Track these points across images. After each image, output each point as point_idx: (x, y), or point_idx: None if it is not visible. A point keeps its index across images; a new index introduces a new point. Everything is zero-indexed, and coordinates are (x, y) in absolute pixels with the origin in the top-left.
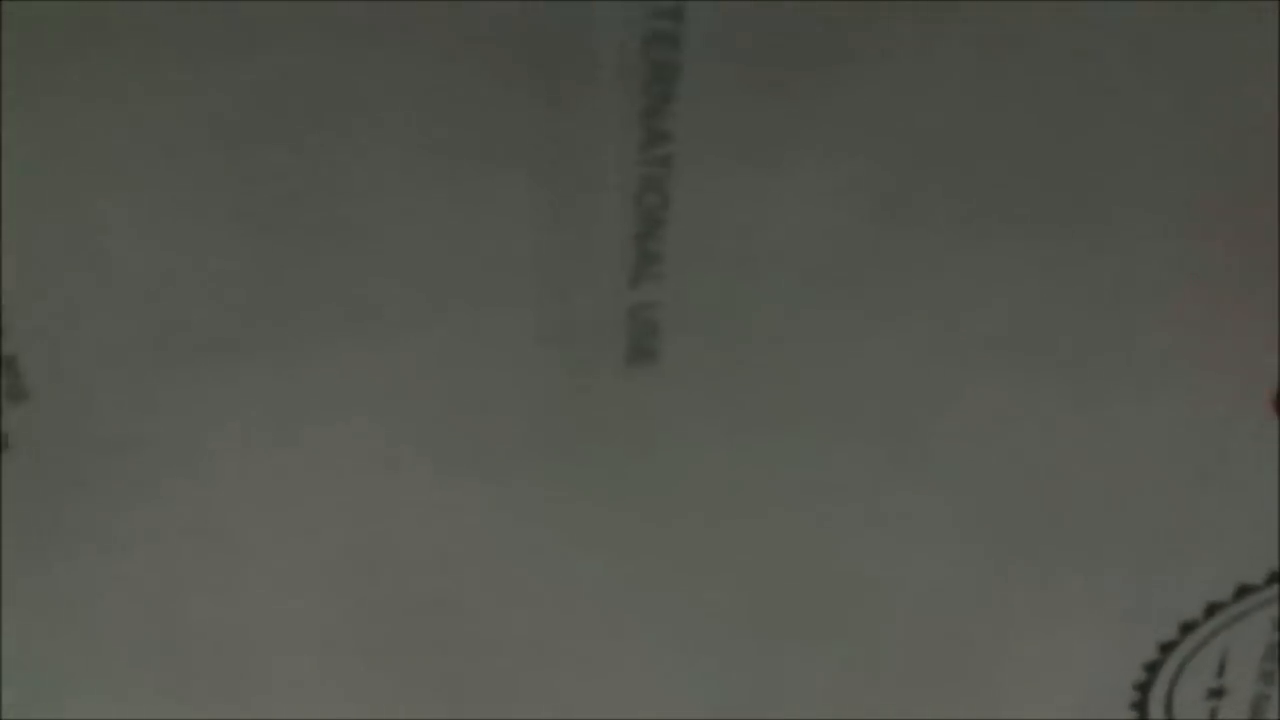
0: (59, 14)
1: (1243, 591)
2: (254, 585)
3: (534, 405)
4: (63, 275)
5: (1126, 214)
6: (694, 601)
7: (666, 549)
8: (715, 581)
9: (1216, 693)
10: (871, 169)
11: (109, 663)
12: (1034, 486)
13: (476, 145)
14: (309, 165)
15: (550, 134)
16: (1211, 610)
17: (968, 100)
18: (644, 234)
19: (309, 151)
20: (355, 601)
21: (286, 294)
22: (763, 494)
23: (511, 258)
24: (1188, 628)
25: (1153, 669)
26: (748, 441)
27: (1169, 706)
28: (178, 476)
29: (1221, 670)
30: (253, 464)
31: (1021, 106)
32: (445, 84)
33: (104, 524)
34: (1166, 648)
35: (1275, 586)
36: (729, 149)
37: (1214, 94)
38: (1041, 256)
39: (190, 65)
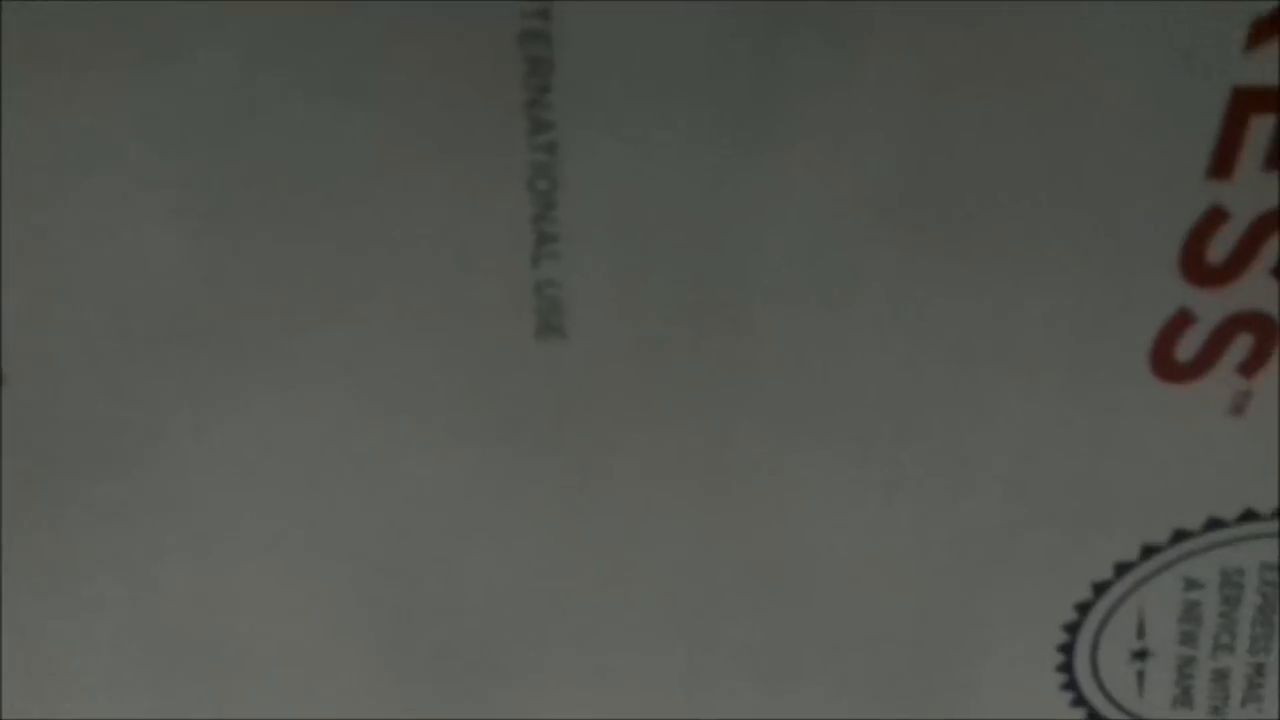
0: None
1: (1149, 551)
2: (226, 557)
3: (455, 380)
4: (34, 267)
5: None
6: (622, 575)
7: (593, 523)
8: (640, 553)
9: (1140, 654)
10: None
11: (92, 638)
12: (946, 454)
13: (398, 137)
14: (262, 159)
15: (449, 124)
16: (1121, 570)
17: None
18: (539, 215)
19: (261, 144)
20: (319, 572)
21: (239, 284)
22: (677, 466)
23: (426, 240)
24: (1101, 588)
25: (1073, 630)
26: (658, 413)
27: (1095, 669)
28: (149, 456)
29: (1141, 631)
30: (215, 441)
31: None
32: (369, 83)
33: (82, 500)
34: (1083, 607)
35: (1180, 545)
36: (609, 133)
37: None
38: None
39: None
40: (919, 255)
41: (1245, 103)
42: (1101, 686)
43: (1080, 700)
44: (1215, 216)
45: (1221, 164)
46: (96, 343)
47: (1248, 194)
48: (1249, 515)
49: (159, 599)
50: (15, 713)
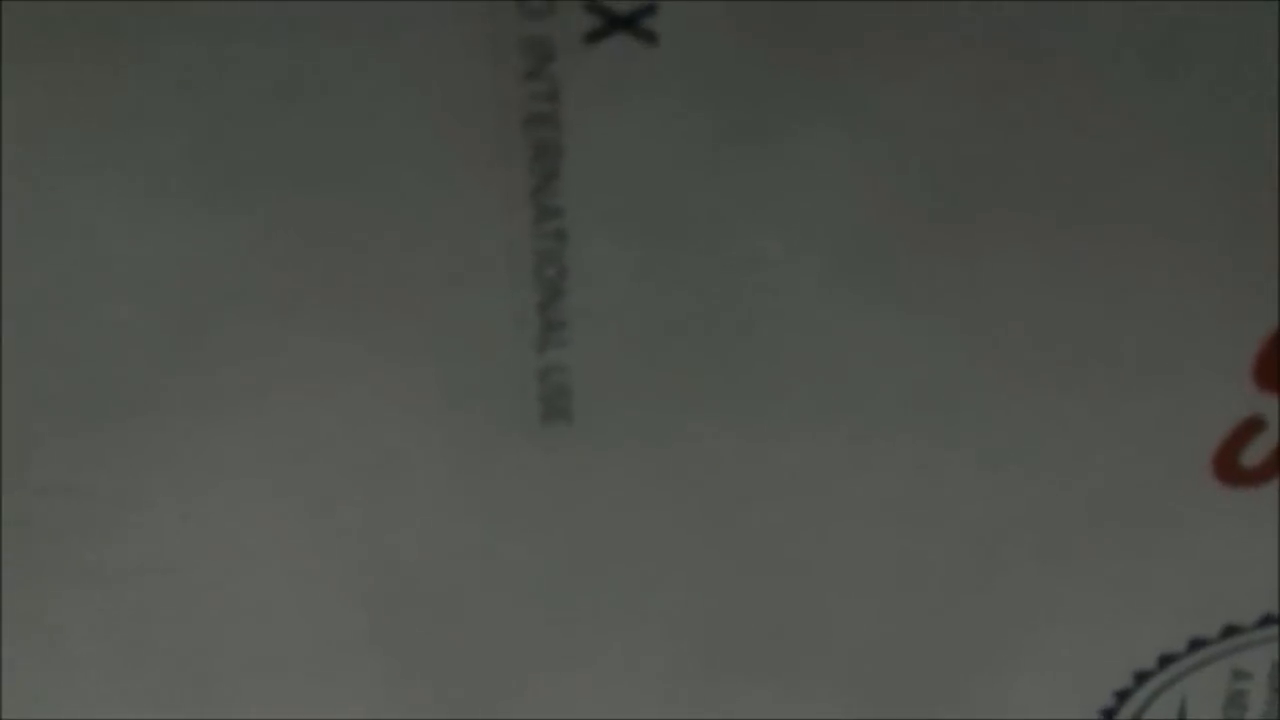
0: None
1: (1196, 644)
2: (206, 615)
3: (458, 464)
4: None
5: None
6: (637, 660)
7: (601, 607)
8: (654, 642)
9: None
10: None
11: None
12: (973, 537)
13: (402, 223)
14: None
15: (455, 211)
16: (1165, 661)
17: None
18: (546, 303)
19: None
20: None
21: (200, 354)
22: (686, 550)
23: (430, 322)
24: (1142, 677)
25: (1109, 715)
26: (666, 498)
27: None
28: (119, 517)
29: (1183, 716)
30: (186, 506)
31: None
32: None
33: (56, 564)
34: (1122, 694)
35: (1229, 640)
36: (619, 220)
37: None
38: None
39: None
40: (956, 359)
41: None
42: None
43: None
44: None
45: None
46: (85, 335)
47: None
48: None
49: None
50: (13, 698)
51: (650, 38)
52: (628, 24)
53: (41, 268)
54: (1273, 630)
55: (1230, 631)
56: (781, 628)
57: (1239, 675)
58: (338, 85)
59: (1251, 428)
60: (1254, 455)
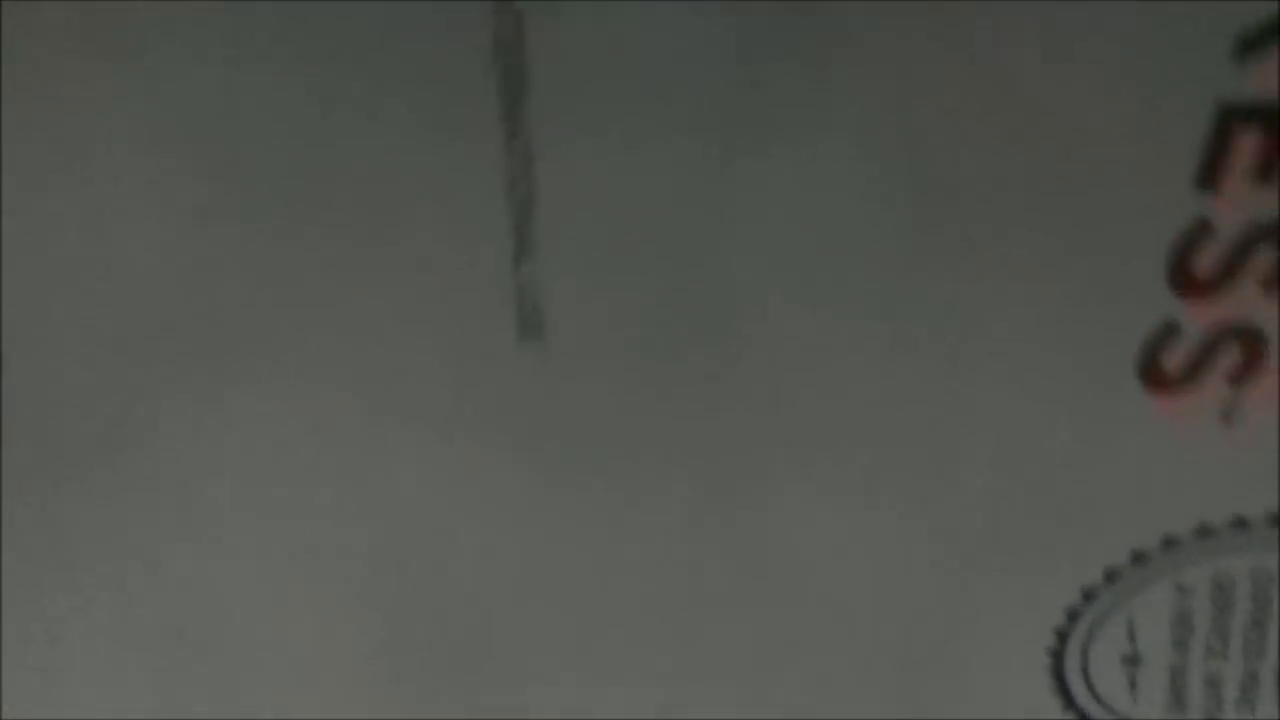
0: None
1: (1139, 558)
2: (219, 545)
3: (439, 382)
4: (31, 257)
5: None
6: (605, 574)
7: (576, 521)
8: (623, 552)
9: (1131, 660)
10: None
11: (90, 624)
12: (929, 456)
13: (376, 144)
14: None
15: (427, 133)
16: (1111, 577)
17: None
18: (519, 222)
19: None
20: (310, 562)
21: (226, 281)
22: (659, 465)
23: (408, 245)
24: (1090, 594)
25: (1063, 635)
26: (639, 413)
27: (1086, 673)
28: (144, 443)
29: (1131, 637)
30: (206, 432)
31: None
32: (347, 91)
33: (79, 485)
34: (1072, 613)
35: (1170, 552)
36: (585, 139)
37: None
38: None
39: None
40: (905, 260)
41: (1232, 116)
42: (1093, 690)
43: (1071, 704)
44: (1202, 228)
45: (1209, 176)
46: (91, 332)
47: (1235, 206)
48: (1240, 523)
49: (155, 586)
50: (13, 698)
51: None
52: None
53: (45, 267)
54: (1209, 542)
55: (1169, 543)
56: (757, 534)
57: (1182, 591)
58: (313, 19)
59: (1170, 332)
60: (1173, 359)
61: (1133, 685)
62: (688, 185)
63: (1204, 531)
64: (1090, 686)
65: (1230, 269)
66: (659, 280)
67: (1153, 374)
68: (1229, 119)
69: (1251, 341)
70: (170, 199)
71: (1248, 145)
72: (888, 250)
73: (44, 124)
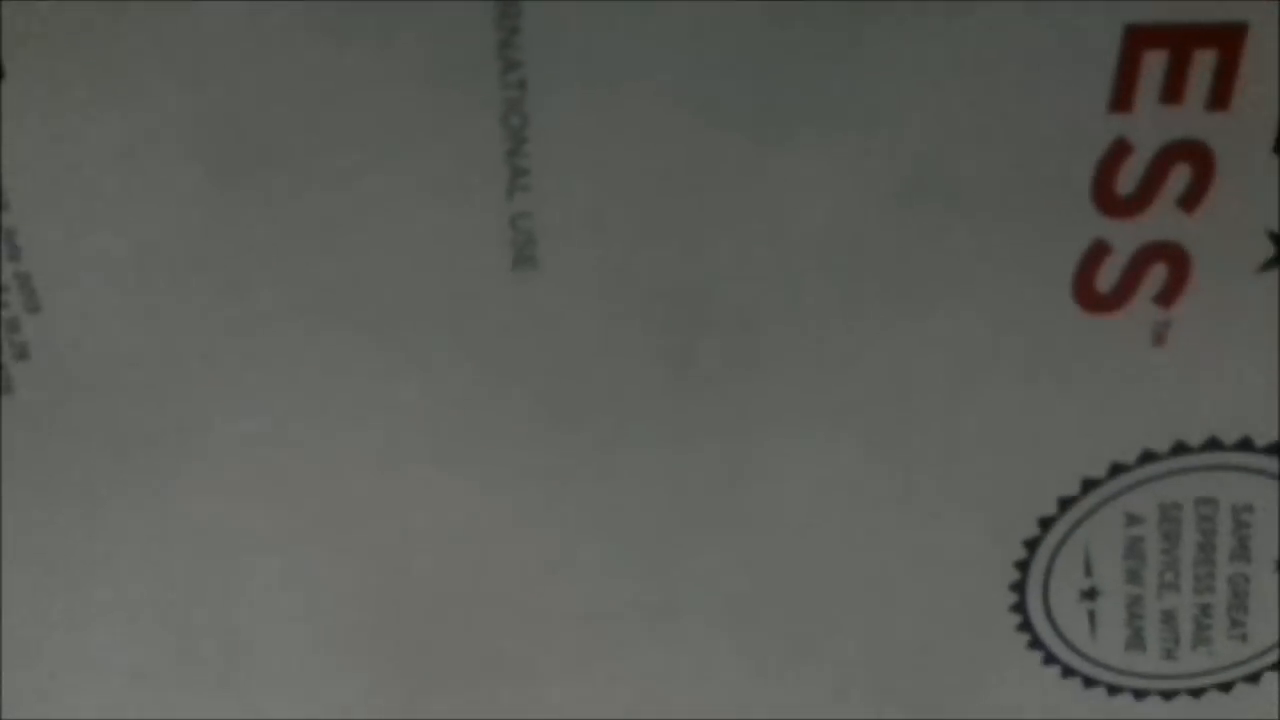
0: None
1: (1089, 485)
2: (234, 478)
3: (438, 310)
4: (65, 199)
5: None
6: (592, 499)
7: (565, 446)
8: (609, 476)
9: (1089, 594)
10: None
11: (109, 562)
12: (886, 382)
13: (384, 77)
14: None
15: (426, 64)
16: (1064, 504)
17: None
18: (512, 150)
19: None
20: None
21: (247, 219)
22: (642, 390)
23: (409, 175)
24: (1046, 523)
25: (1024, 567)
26: (626, 338)
27: (1048, 608)
28: (165, 382)
29: (1089, 569)
30: (224, 367)
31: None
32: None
33: (105, 424)
34: (1031, 544)
35: (1117, 479)
36: (575, 73)
37: None
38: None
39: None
40: (861, 194)
41: (1139, 39)
42: (1055, 626)
43: (1036, 642)
44: (1120, 148)
45: (1121, 98)
46: (120, 275)
47: (1149, 126)
48: (1180, 448)
49: (169, 528)
50: (26, 641)
51: None
52: None
53: (56, 249)
54: (1153, 466)
55: (1117, 469)
56: (735, 461)
57: (1132, 520)
58: None
59: (1100, 251)
60: (1105, 279)
61: (1092, 621)
62: (676, 118)
63: (1147, 457)
64: (1053, 623)
65: (1149, 187)
66: (646, 212)
67: (1088, 294)
68: (1135, 40)
69: (1175, 260)
70: (192, 142)
71: (1154, 64)
72: (843, 187)
73: (75, 72)
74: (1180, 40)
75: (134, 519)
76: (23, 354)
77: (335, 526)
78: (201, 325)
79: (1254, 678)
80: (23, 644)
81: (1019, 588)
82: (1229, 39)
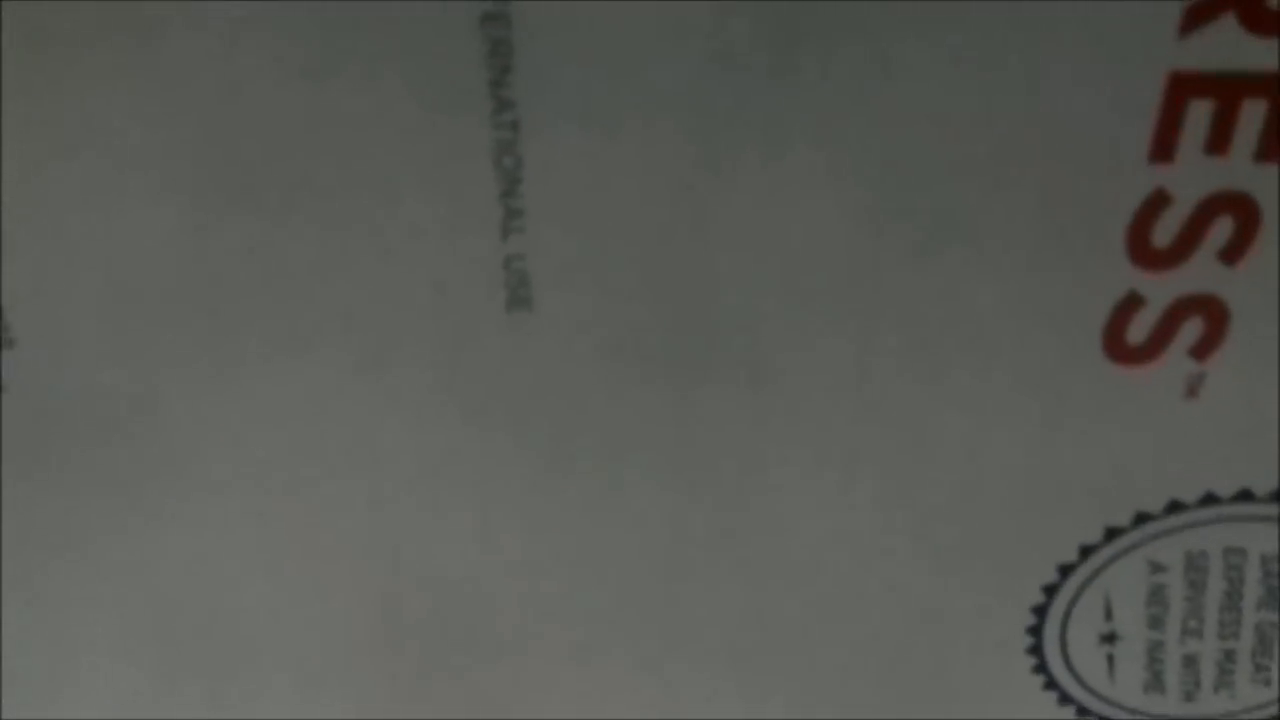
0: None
1: (1112, 533)
2: (217, 523)
3: (431, 353)
4: (38, 237)
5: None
6: (592, 547)
7: (564, 494)
8: (610, 524)
9: (1108, 638)
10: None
11: (93, 600)
12: (903, 433)
13: (368, 118)
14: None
15: (417, 105)
16: (1085, 552)
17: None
18: (506, 191)
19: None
20: (306, 540)
21: (226, 259)
22: (644, 437)
23: (399, 217)
24: (1066, 570)
25: (1041, 612)
26: (624, 383)
27: (1065, 652)
28: (144, 422)
29: (1108, 615)
30: (204, 409)
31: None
32: (338, 65)
33: (82, 463)
34: (1049, 590)
35: (1142, 528)
36: (570, 112)
37: None
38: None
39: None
40: (876, 244)
41: (1182, 87)
42: (1072, 669)
43: (1052, 683)
44: (1159, 200)
45: (1162, 148)
46: (96, 311)
47: (1190, 177)
48: (1210, 499)
49: (156, 564)
50: (15, 676)
51: None
52: None
53: (51, 247)
54: (1181, 517)
55: (1142, 519)
56: (740, 511)
57: (1156, 568)
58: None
59: (1132, 304)
60: (1137, 332)
61: (1111, 664)
62: (672, 160)
63: (1175, 507)
64: (1070, 665)
65: (1188, 240)
66: (643, 255)
67: (1118, 347)
68: (1178, 89)
69: (1212, 313)
70: (171, 180)
71: (1198, 114)
72: (860, 234)
73: (47, 105)
74: (1228, 90)
75: (119, 552)
76: None
77: (324, 565)
78: (182, 363)
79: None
80: (13, 673)
81: (1035, 631)
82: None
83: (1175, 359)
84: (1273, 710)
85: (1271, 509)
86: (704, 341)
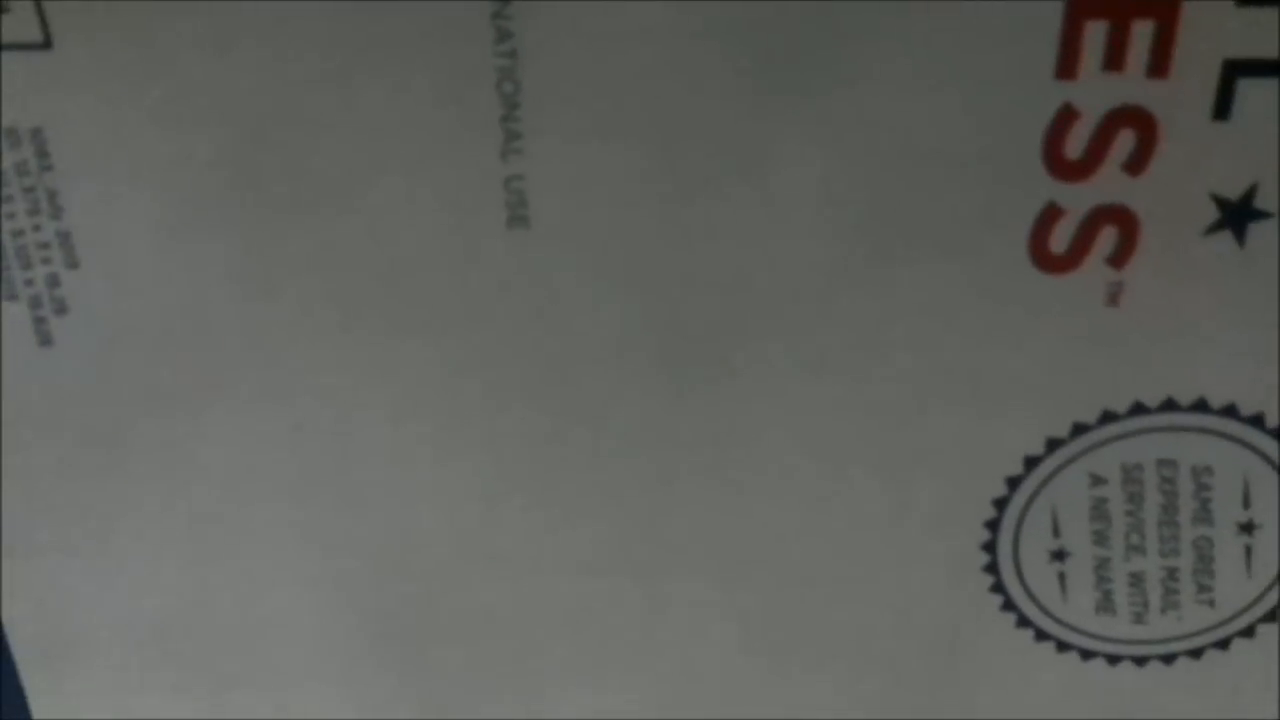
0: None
1: (1052, 444)
2: (255, 431)
3: (436, 269)
4: (104, 171)
5: None
6: (588, 446)
7: (563, 397)
8: (605, 427)
9: (1059, 555)
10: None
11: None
12: (860, 335)
13: (376, 45)
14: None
15: (421, 32)
16: (1030, 463)
17: None
18: (506, 115)
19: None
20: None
21: (257, 177)
22: (635, 341)
23: (405, 141)
24: (1014, 482)
25: (994, 526)
26: (616, 293)
27: (1019, 569)
28: (188, 342)
29: (1056, 530)
30: (248, 321)
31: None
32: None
33: (132, 378)
34: (1000, 503)
35: (1080, 439)
36: (569, 40)
37: None
38: None
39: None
40: (850, 158)
41: (1081, 8)
42: (1027, 588)
43: (1009, 604)
44: (1068, 114)
45: (1067, 66)
46: (151, 235)
47: (1093, 93)
48: (1139, 409)
49: (194, 478)
50: (54, 586)
51: None
52: None
53: (94, 209)
54: (1114, 426)
55: (1079, 430)
56: (718, 415)
57: (1096, 480)
58: None
59: (1052, 213)
60: (1060, 242)
61: (1063, 584)
62: (666, 84)
63: (1108, 417)
64: (1024, 583)
65: (1095, 152)
66: (632, 176)
67: (1043, 255)
68: (1078, 10)
69: (1124, 222)
70: (215, 113)
71: (1096, 33)
72: (836, 159)
73: (102, 61)
74: (1119, 9)
75: (158, 465)
76: (62, 309)
77: (345, 476)
78: (225, 283)
79: (1224, 644)
80: (50, 588)
81: (990, 548)
82: (1165, 8)
83: (1095, 267)
84: (1219, 633)
85: (1197, 419)
86: (685, 260)
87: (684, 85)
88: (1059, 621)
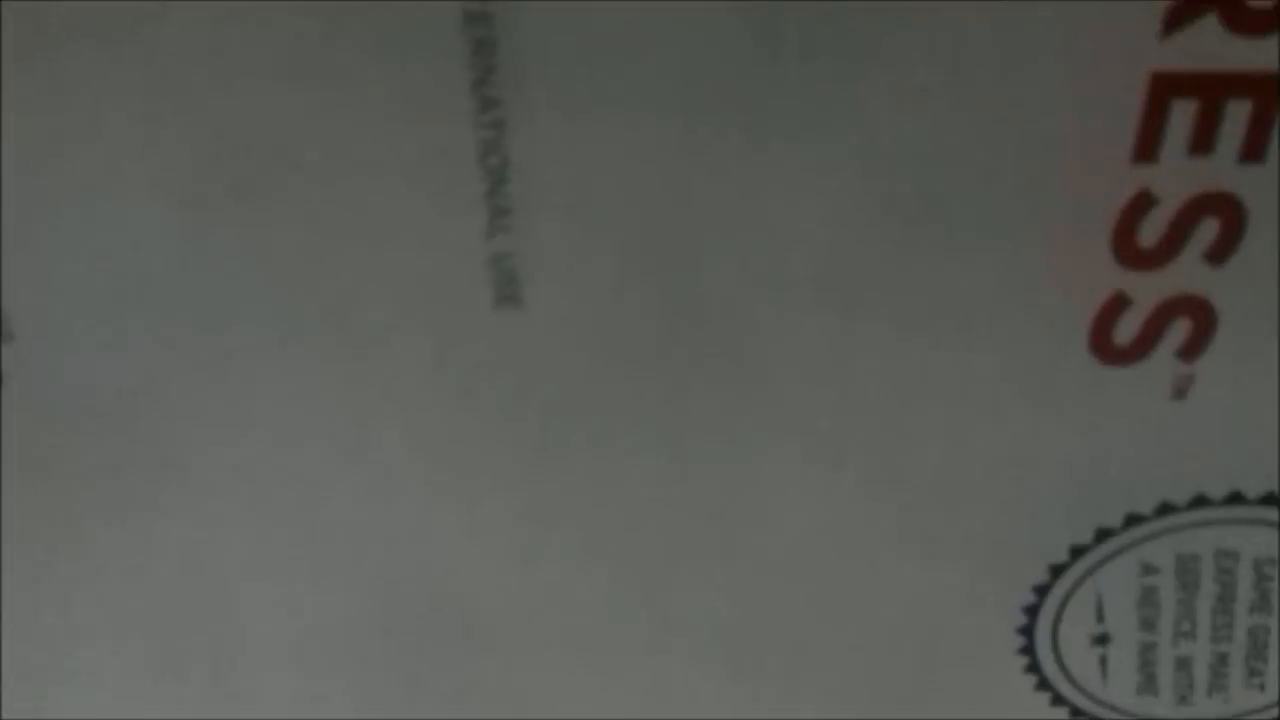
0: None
1: (1103, 535)
2: (214, 514)
3: (420, 350)
4: (34, 231)
5: None
6: (583, 541)
7: (554, 489)
8: (601, 517)
9: (1101, 639)
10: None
11: (91, 589)
12: (887, 427)
13: (353, 116)
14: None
15: (401, 104)
16: (1076, 553)
17: None
18: (492, 191)
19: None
20: (300, 534)
21: (217, 253)
22: (634, 431)
23: (386, 215)
24: (1057, 570)
25: (1032, 612)
26: (614, 378)
27: (1057, 651)
28: (143, 414)
29: (1100, 616)
30: (201, 399)
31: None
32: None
33: (81, 455)
34: (1040, 590)
35: (1133, 530)
36: (555, 110)
37: None
38: None
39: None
40: (861, 240)
41: (1164, 87)
42: (1065, 670)
43: (1045, 684)
44: (1143, 200)
45: (1145, 148)
46: (93, 304)
47: (1174, 178)
48: (1200, 501)
49: (153, 556)
50: (14, 665)
51: None
52: None
53: (47, 243)
54: (1172, 519)
55: (1132, 520)
56: (729, 502)
57: (1147, 570)
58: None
59: (1118, 304)
60: (1125, 333)
61: (1104, 666)
62: (657, 155)
63: (1165, 509)
64: (1062, 666)
65: (1173, 240)
66: (631, 249)
67: (1104, 346)
68: (1160, 89)
69: (1199, 314)
70: (164, 178)
71: (1181, 114)
72: (847, 229)
73: (44, 103)
74: (1210, 89)
75: (118, 543)
76: None
77: (318, 558)
78: (177, 357)
79: None
80: (12, 665)
81: (1027, 632)
82: (1264, 88)
83: (1162, 360)
84: (1272, 714)
85: (1263, 512)
86: (691, 335)
87: (687, 151)
88: (1096, 700)
